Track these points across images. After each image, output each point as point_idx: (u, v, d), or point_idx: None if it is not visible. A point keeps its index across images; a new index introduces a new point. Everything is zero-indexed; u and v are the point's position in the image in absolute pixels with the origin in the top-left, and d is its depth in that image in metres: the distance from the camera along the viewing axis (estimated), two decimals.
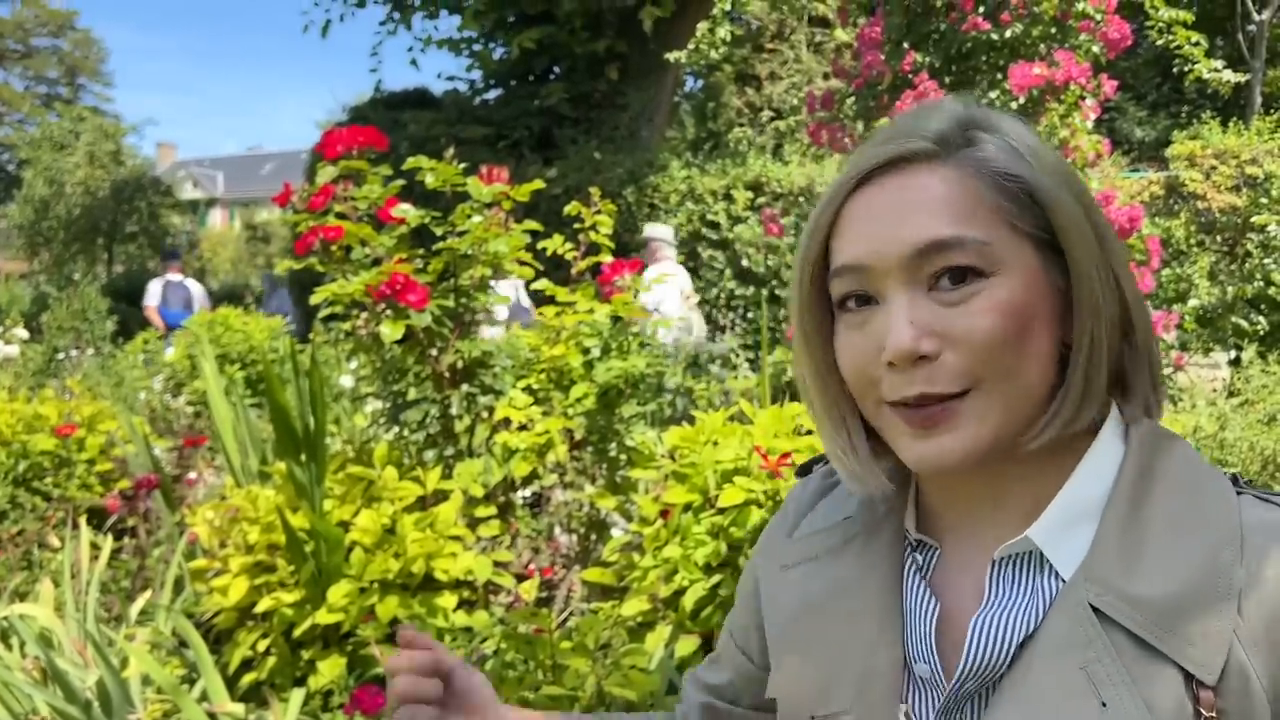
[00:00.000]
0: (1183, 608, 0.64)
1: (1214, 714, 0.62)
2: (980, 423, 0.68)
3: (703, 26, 6.72)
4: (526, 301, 6.92)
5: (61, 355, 7.62)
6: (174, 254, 10.64)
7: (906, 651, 0.75)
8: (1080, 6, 4.65)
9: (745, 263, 9.04)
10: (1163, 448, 0.72)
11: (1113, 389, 0.74)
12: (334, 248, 2.84)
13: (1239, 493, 0.69)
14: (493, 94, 12.14)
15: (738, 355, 7.35)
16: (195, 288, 10.02)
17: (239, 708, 2.25)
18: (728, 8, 6.57)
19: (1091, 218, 0.72)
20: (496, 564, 2.72)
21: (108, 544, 3.21)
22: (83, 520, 3.40)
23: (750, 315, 8.91)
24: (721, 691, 0.93)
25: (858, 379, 0.72)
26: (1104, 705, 0.63)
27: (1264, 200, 7.10)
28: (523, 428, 2.97)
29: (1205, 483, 0.70)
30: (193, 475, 4.07)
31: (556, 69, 11.58)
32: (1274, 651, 0.63)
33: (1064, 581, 0.69)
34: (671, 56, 7.36)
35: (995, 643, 0.69)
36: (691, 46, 6.61)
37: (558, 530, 3.16)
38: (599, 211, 3.29)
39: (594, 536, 3.08)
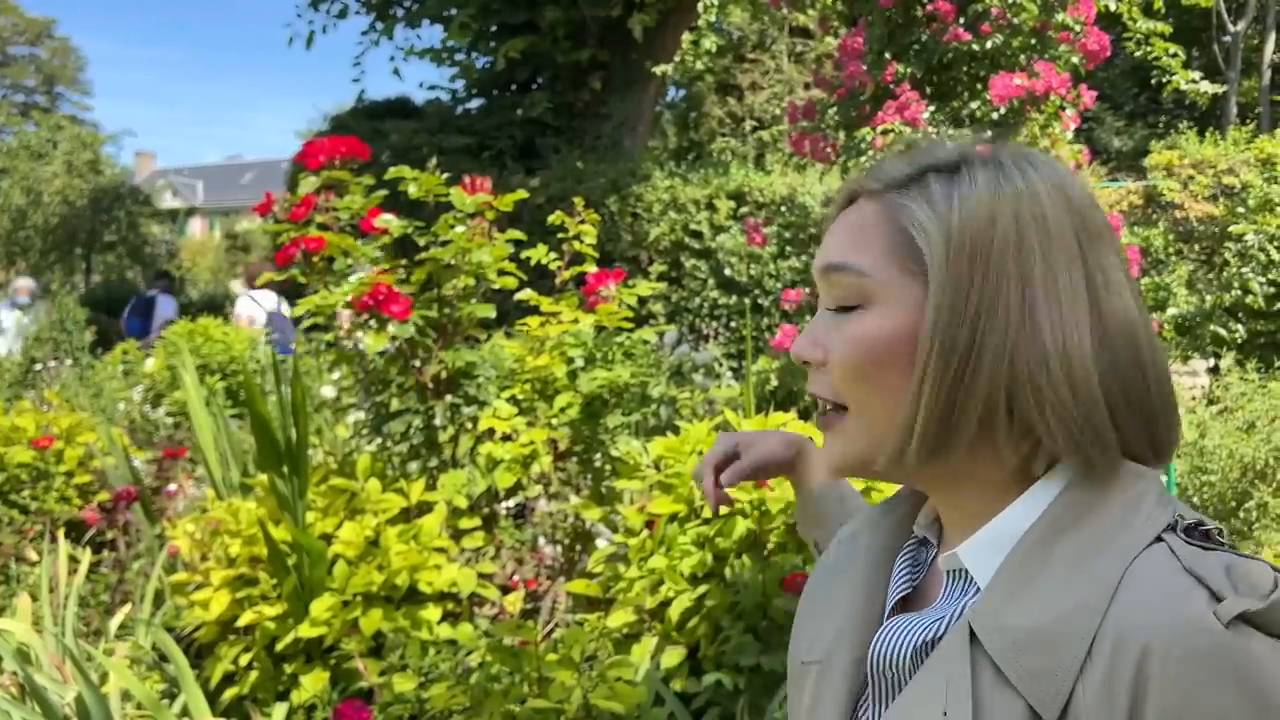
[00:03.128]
0: (1038, 642, 0.65)
1: None
2: (848, 441, 0.76)
3: (687, 38, 6.74)
4: (287, 310, 7.43)
5: (39, 366, 7.53)
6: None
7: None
8: (1060, 18, 4.70)
9: (728, 272, 9.06)
10: (1110, 486, 0.70)
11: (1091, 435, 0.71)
12: (316, 259, 2.82)
13: (1159, 539, 0.67)
14: (475, 103, 12.13)
15: (721, 364, 7.36)
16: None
17: None
18: (712, 19, 6.61)
19: (1015, 263, 0.70)
20: (481, 576, 2.70)
21: (86, 557, 3.17)
22: (61, 533, 3.36)
23: (733, 324, 8.93)
24: None
25: None
26: (944, 715, 0.67)
27: (1241, 210, 7.17)
28: (507, 438, 2.96)
29: (1127, 527, 0.68)
30: (173, 487, 4.03)
31: (539, 78, 11.59)
32: (1109, 700, 0.61)
33: None
34: (659, 70, 7.37)
35: (895, 643, 0.76)
36: (677, 59, 6.64)
37: (542, 541, 3.14)
38: (583, 221, 3.28)
39: (579, 548, 3.07)
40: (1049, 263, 0.71)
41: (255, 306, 7.53)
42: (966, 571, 0.74)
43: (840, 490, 1.09)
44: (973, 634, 0.68)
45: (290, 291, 6.96)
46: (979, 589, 0.72)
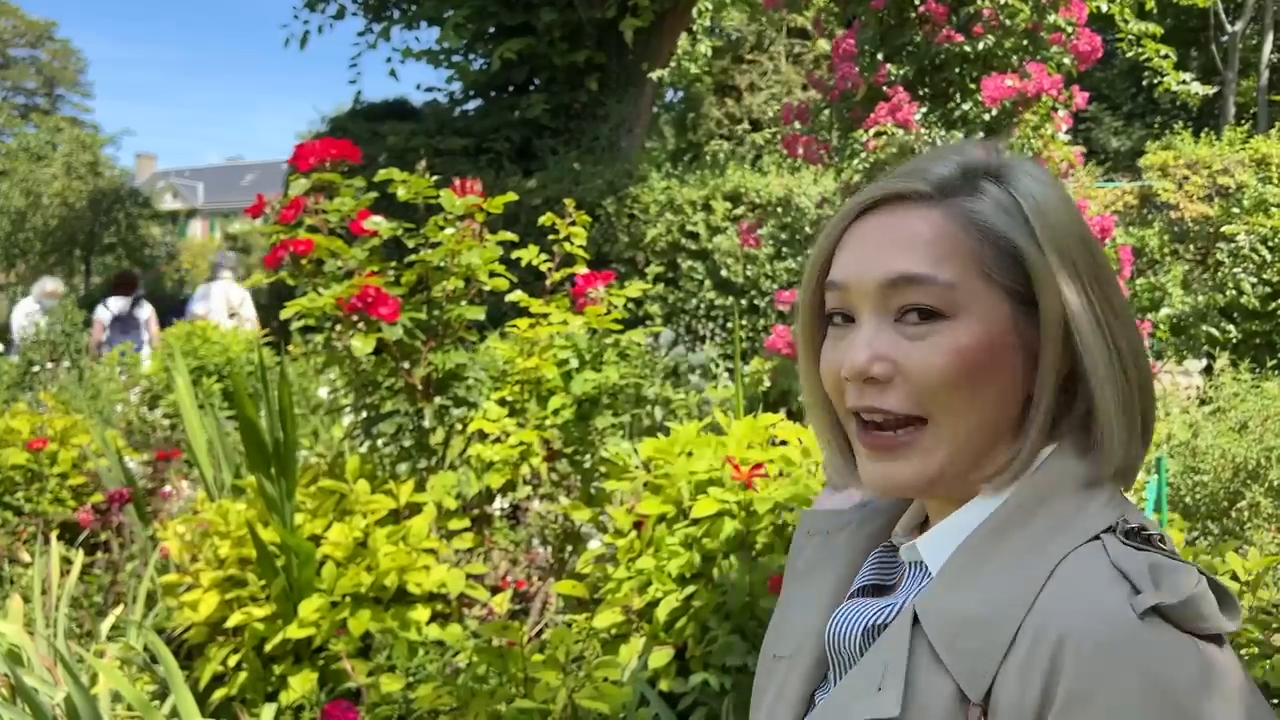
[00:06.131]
0: (974, 627, 0.68)
1: None
2: (927, 456, 0.74)
3: (683, 42, 6.75)
4: (146, 315, 8.57)
5: (37, 368, 7.54)
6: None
7: None
8: (1052, 19, 4.70)
9: (725, 273, 9.07)
10: (1062, 486, 0.73)
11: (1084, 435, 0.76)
12: (304, 261, 2.83)
13: (1096, 537, 0.70)
14: (472, 105, 12.13)
15: (717, 365, 7.37)
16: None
17: None
18: (707, 23, 6.62)
19: (1090, 266, 0.75)
20: (472, 577, 2.71)
21: (79, 559, 3.18)
22: (54, 535, 3.37)
23: (730, 325, 8.93)
24: None
25: (831, 386, 0.80)
26: (879, 690, 0.69)
27: (1235, 210, 7.18)
28: (497, 440, 2.96)
29: (1071, 525, 0.71)
30: (168, 489, 4.04)
31: (536, 80, 11.59)
32: (1023, 684, 0.64)
33: None
34: (655, 75, 7.37)
35: (846, 626, 0.79)
36: (673, 64, 6.66)
37: (535, 542, 3.15)
38: (573, 223, 3.29)
39: (569, 548, 3.08)
40: (1105, 262, 0.77)
41: (104, 311, 8.48)
42: (924, 563, 0.77)
43: None
44: (916, 618, 0.71)
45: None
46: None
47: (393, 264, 2.98)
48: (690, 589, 2.36)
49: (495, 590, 2.82)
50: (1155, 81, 5.83)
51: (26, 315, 8.95)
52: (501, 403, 3.05)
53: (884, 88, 4.71)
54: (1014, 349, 0.73)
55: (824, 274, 0.81)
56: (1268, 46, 18.45)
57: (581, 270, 3.27)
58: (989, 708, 0.66)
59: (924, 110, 4.66)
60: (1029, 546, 0.71)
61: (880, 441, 0.74)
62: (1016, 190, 0.75)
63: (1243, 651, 2.00)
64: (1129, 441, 0.74)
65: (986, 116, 4.59)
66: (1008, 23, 4.66)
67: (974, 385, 0.72)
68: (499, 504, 3.23)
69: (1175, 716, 0.61)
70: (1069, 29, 4.71)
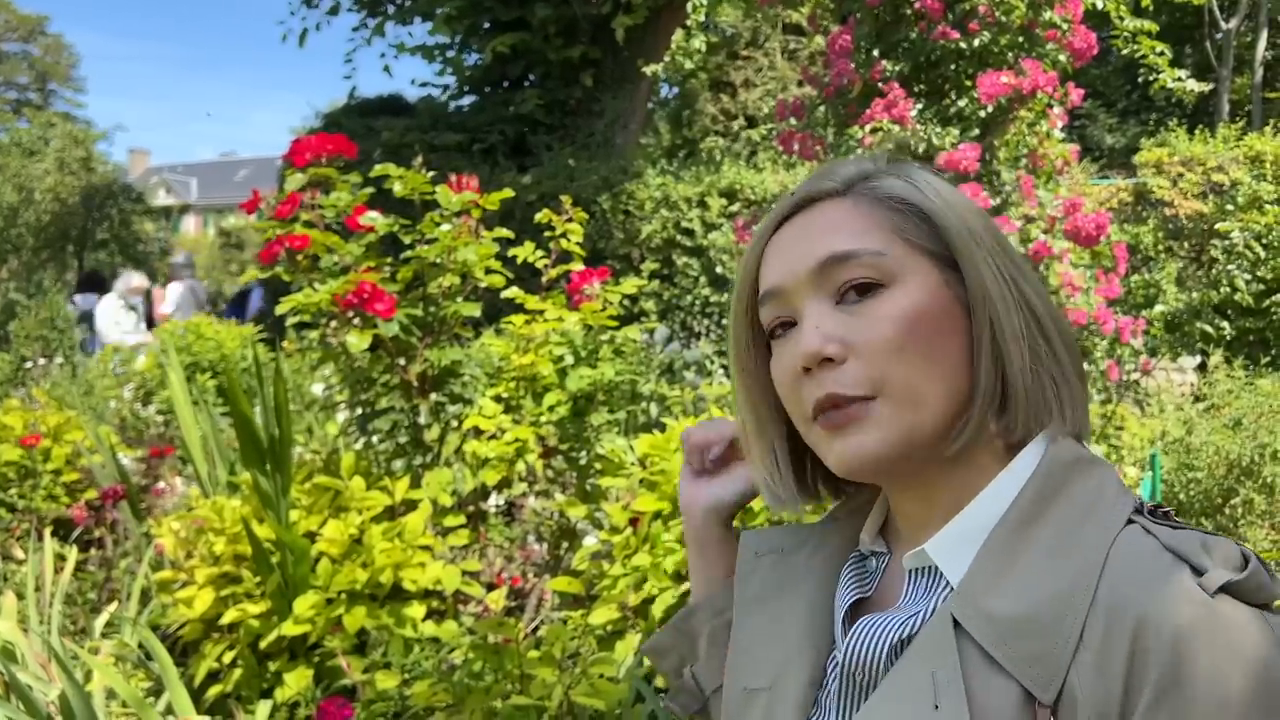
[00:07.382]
0: (1029, 628, 0.66)
1: None
2: (888, 426, 0.73)
3: (678, 36, 6.76)
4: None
5: (29, 364, 7.52)
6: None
7: (835, 641, 0.81)
8: (1047, 16, 4.70)
9: (720, 270, 9.07)
10: (1073, 473, 0.73)
11: (1037, 407, 0.76)
12: (300, 256, 2.82)
13: (1130, 521, 0.69)
14: (467, 100, 12.12)
15: (713, 362, 7.37)
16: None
17: None
18: (701, 18, 6.61)
19: (991, 236, 0.78)
20: (467, 573, 2.71)
21: (73, 555, 3.17)
22: (48, 531, 3.36)
23: (725, 322, 8.93)
24: None
25: (789, 398, 0.78)
26: (936, 708, 0.66)
27: (1229, 207, 7.19)
28: (493, 436, 2.96)
29: (1096, 512, 0.70)
30: (162, 485, 4.03)
31: (531, 76, 11.58)
32: (1104, 673, 0.63)
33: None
34: (649, 70, 7.37)
35: (870, 641, 0.75)
36: (667, 58, 6.66)
37: (530, 539, 3.15)
38: (570, 219, 3.29)
39: (565, 545, 3.08)
40: (1004, 237, 0.80)
41: (70, 308, 8.85)
42: (933, 568, 0.75)
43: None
44: (956, 625, 0.69)
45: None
46: (949, 583, 0.73)
47: (389, 260, 2.97)
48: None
49: (491, 587, 2.82)
50: (1150, 78, 5.85)
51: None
52: (497, 399, 3.04)
53: (879, 84, 4.71)
54: (953, 308, 0.75)
55: (753, 294, 0.82)
56: (1262, 43, 18.48)
57: (577, 267, 3.27)
58: (1059, 706, 0.64)
59: (919, 107, 4.66)
60: (1062, 537, 0.69)
61: (837, 419, 0.73)
62: (913, 179, 0.79)
63: None
64: (1045, 386, 0.75)
65: (982, 113, 4.59)
66: (1003, 19, 4.66)
67: (926, 348, 0.73)
68: (494, 500, 3.23)
69: (1267, 689, 0.61)
70: (1064, 26, 4.71)
